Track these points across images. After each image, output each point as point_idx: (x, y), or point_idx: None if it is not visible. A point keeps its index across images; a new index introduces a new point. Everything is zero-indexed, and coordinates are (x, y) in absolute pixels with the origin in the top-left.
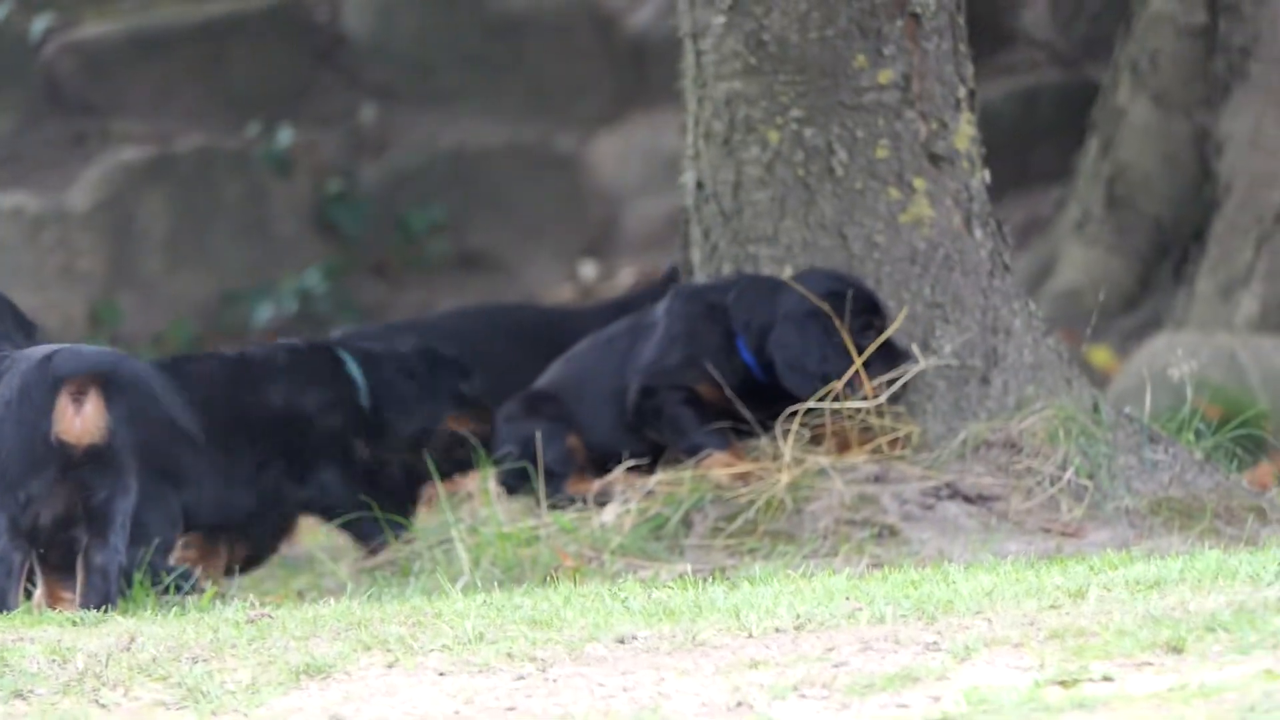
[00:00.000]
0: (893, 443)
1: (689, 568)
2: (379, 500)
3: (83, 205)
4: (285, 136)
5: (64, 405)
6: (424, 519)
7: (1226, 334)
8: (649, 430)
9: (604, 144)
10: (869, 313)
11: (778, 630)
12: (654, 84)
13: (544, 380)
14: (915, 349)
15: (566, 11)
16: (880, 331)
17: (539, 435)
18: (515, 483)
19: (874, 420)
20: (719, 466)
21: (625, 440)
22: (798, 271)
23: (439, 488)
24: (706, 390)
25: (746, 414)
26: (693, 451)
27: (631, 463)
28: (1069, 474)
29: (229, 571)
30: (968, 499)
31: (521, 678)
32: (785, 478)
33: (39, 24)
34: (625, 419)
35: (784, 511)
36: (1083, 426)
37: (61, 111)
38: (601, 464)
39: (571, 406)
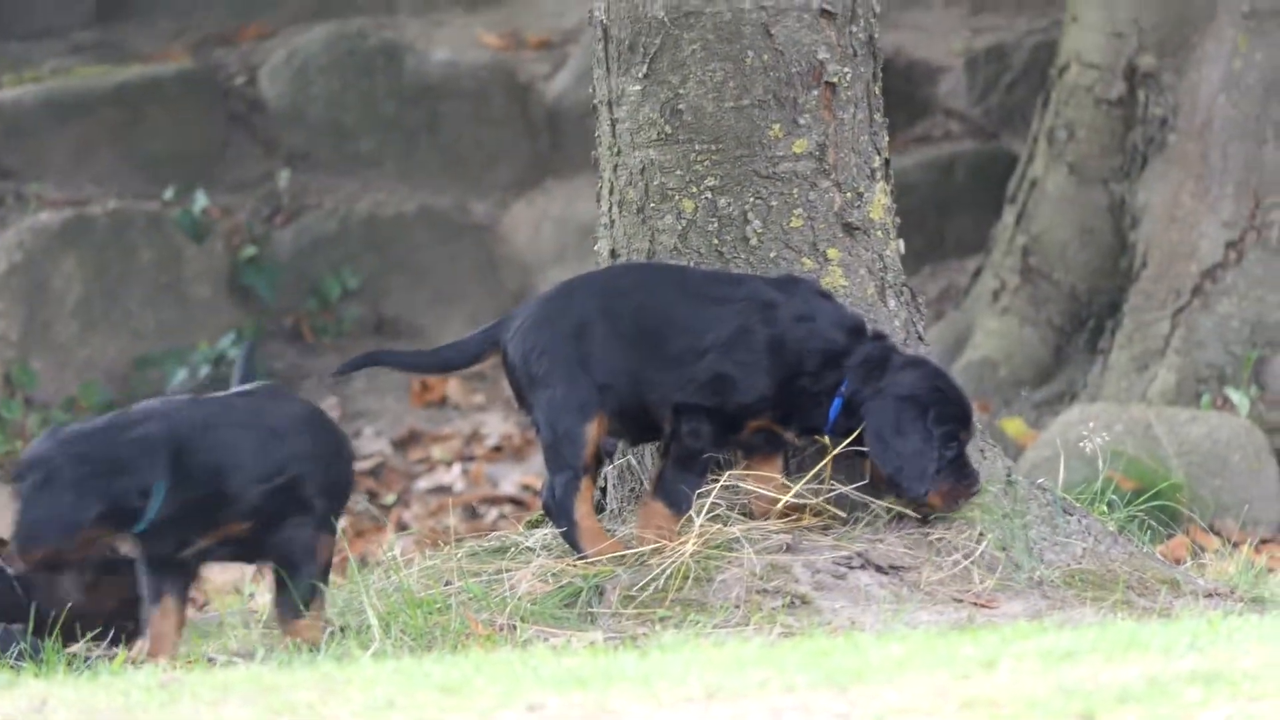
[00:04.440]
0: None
1: (600, 636)
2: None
3: None
4: (200, 200)
5: None
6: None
7: (1141, 406)
8: None
9: (519, 211)
10: (960, 424)
11: (688, 699)
12: (569, 152)
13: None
14: (980, 471)
15: (482, 78)
16: (963, 445)
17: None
18: None
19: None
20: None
21: None
22: (909, 355)
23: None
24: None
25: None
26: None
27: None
28: (982, 545)
29: None
30: (879, 569)
31: None
32: (690, 546)
33: None
34: None
35: (694, 580)
36: (996, 498)
37: None
38: None
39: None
